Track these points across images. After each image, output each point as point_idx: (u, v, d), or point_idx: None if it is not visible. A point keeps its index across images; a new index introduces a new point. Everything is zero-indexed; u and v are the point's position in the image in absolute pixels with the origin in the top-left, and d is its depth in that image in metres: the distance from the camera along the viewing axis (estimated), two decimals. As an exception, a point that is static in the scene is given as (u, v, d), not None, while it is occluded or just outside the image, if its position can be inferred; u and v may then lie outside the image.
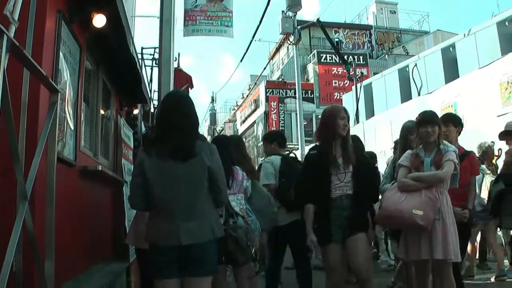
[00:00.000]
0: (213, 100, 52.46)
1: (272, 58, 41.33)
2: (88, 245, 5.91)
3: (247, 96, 42.67)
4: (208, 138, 4.20)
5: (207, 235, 3.42)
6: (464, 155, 5.25)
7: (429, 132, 4.56)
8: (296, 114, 22.31)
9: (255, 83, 37.27)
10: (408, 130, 5.30)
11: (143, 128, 10.56)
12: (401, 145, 5.33)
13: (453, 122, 5.47)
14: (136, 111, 10.16)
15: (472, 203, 5.19)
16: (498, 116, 9.62)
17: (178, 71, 12.79)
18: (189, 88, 12.81)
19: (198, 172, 3.45)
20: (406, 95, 18.56)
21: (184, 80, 12.56)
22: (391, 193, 4.58)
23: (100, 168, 6.11)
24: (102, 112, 7.37)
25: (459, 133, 5.52)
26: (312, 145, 4.98)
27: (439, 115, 4.88)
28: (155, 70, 13.62)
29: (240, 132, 41.70)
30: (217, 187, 3.57)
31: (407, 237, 4.51)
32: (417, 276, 4.71)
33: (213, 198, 3.58)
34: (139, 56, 12.94)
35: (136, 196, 3.62)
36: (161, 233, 3.45)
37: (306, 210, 4.63)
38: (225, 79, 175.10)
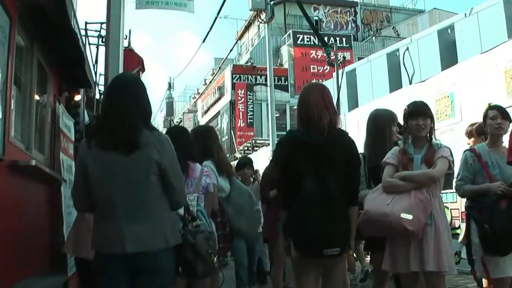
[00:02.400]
0: (170, 86, 52.23)
1: (240, 38, 41.36)
2: (18, 254, 5.83)
3: (210, 82, 42.66)
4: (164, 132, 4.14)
5: (159, 242, 3.40)
6: None
7: (420, 125, 4.60)
8: (267, 104, 22.36)
9: (220, 68, 37.21)
10: (390, 120, 5.21)
11: (87, 118, 10.47)
12: (378, 138, 5.21)
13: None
14: (78, 97, 10.05)
15: None
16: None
17: (129, 51, 12.75)
18: (141, 72, 12.78)
19: (142, 167, 3.43)
20: (395, 84, 18.71)
21: (135, 62, 12.56)
22: (374, 195, 4.58)
23: (33, 163, 6.04)
24: (37, 97, 7.27)
25: None
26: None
27: (433, 107, 4.90)
28: (102, 49, 13.54)
29: (201, 124, 41.59)
30: (170, 185, 3.54)
31: (394, 246, 4.51)
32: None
33: (168, 198, 3.57)
34: (83, 32, 12.82)
35: (78, 195, 3.61)
36: (104, 239, 3.44)
37: None
38: (185, 62, 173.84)
